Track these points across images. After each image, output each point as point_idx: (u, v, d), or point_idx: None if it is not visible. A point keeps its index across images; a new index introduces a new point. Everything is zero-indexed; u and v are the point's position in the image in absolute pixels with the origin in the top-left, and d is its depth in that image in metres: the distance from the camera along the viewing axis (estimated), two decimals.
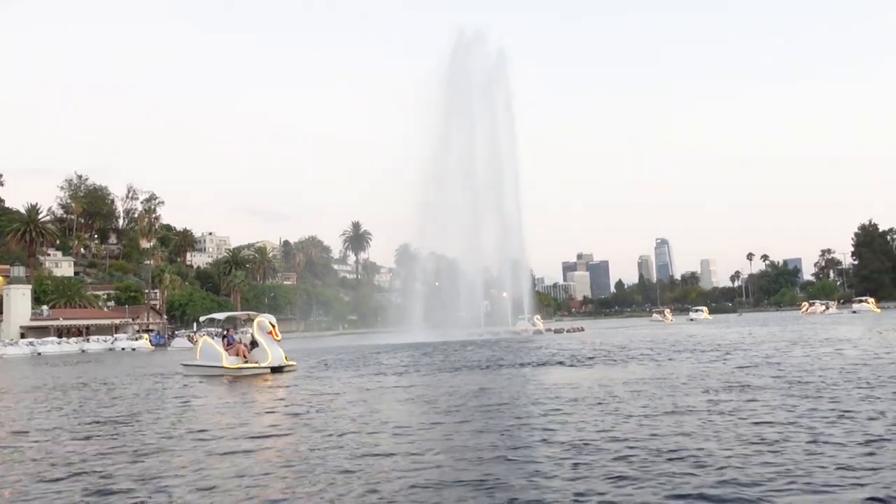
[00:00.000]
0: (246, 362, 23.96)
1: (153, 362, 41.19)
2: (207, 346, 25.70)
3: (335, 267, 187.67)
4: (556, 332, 62.09)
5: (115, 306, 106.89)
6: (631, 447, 8.38)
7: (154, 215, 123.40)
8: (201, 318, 30.21)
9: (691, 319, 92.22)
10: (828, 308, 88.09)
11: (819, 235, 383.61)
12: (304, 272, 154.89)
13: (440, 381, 18.65)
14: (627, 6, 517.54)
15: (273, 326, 23.80)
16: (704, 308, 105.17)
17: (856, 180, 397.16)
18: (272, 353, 23.77)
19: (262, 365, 23.59)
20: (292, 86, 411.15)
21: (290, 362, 24.69)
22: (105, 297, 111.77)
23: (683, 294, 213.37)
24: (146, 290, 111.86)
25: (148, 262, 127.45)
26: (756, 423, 9.59)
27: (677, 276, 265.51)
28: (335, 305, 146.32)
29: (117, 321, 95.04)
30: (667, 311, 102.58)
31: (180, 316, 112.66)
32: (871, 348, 23.61)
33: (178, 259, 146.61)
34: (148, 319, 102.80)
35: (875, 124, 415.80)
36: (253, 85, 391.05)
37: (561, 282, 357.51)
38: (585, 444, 8.70)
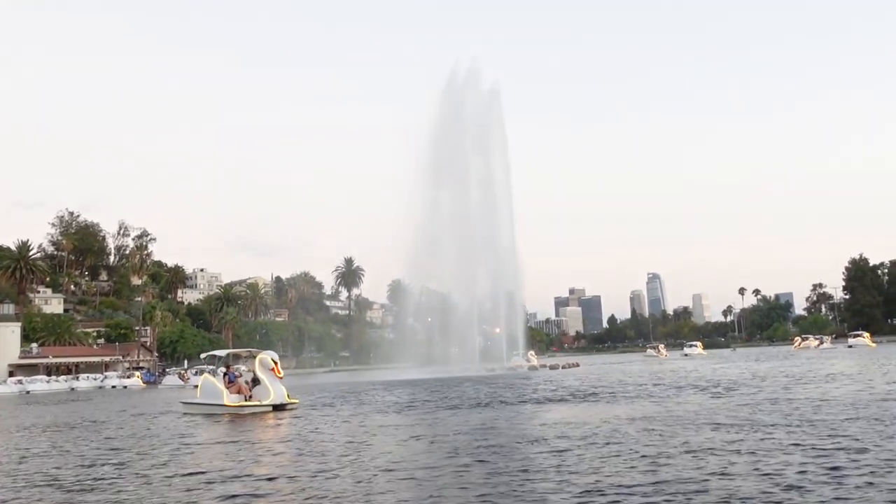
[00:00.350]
0: (248, 400, 23.55)
1: (146, 400, 40.66)
2: (208, 384, 25.30)
3: (327, 303, 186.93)
4: (552, 368, 61.71)
5: (106, 343, 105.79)
6: (655, 489, 8.16)
7: (146, 252, 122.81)
8: (202, 355, 30.01)
9: (685, 355, 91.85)
10: (822, 343, 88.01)
11: (810, 269, 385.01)
12: (296, 308, 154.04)
13: (444, 420, 18.36)
14: (617, 38, 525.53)
15: (275, 363, 23.45)
16: (699, 343, 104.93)
17: (846, 214, 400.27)
18: (274, 390, 23.41)
19: (264, 403, 23.21)
20: (286, 121, 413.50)
21: (293, 400, 24.32)
22: (95, 334, 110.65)
23: (676, 329, 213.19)
24: (137, 328, 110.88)
25: (139, 298, 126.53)
26: (780, 465, 9.39)
27: (669, 311, 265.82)
28: (327, 342, 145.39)
29: (107, 359, 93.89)
30: (661, 346, 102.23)
31: (171, 353, 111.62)
32: (876, 384, 23.47)
33: (170, 296, 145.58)
34: (138, 357, 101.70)
35: (864, 158, 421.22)
36: (246, 119, 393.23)
37: (553, 317, 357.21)
38: (603, 489, 8.47)
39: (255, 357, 24.72)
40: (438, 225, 70.86)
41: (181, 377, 77.76)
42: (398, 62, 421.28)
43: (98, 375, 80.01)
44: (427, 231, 70.76)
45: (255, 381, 23.83)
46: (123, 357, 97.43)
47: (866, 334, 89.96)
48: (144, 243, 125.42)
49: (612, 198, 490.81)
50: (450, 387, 34.63)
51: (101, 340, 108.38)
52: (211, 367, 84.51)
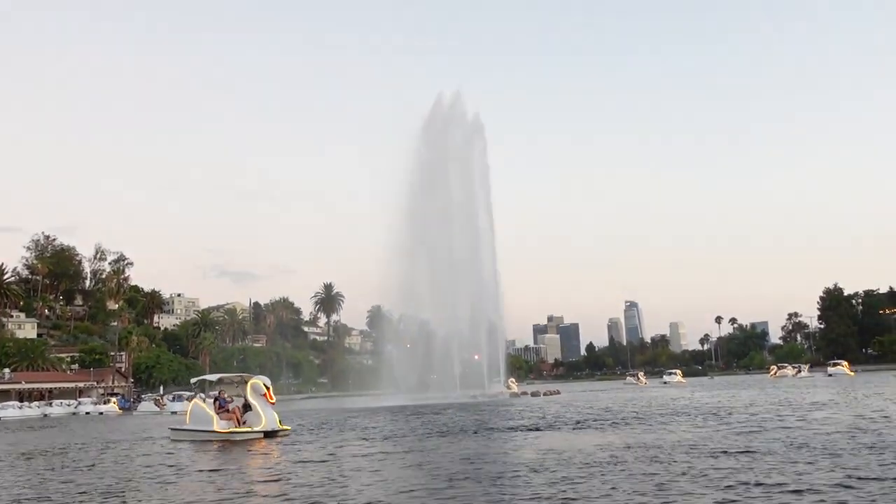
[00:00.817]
0: (239, 426, 23.06)
1: (125, 427, 39.91)
2: (198, 410, 24.79)
3: (305, 329, 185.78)
4: (533, 395, 61.74)
5: (80, 369, 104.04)
6: None
7: (123, 276, 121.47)
8: (193, 380, 29.04)
9: (665, 382, 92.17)
10: (800, 371, 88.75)
11: (785, 299, 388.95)
12: (274, 334, 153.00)
13: (436, 447, 18.21)
14: (592, 61, 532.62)
15: (267, 389, 23.01)
16: (678, 371, 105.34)
17: (821, 245, 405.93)
18: (266, 416, 22.94)
19: (256, 429, 22.73)
20: (261, 147, 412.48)
21: (285, 427, 23.92)
22: (69, 359, 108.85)
23: (654, 357, 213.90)
24: (112, 353, 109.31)
25: (114, 323, 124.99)
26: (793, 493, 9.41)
27: (647, 339, 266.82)
28: (305, 368, 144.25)
29: (81, 384, 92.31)
30: (640, 374, 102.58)
31: (146, 379, 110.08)
32: (862, 412, 23.69)
33: (146, 321, 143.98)
34: (113, 383, 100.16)
35: (839, 189, 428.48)
36: (222, 145, 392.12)
37: (532, 344, 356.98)
38: None
39: (246, 382, 24.29)
40: (419, 252, 70.88)
41: (157, 403, 76.65)
42: (375, 89, 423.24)
43: (72, 402, 78.65)
44: (407, 258, 70.78)
45: (247, 407, 23.36)
46: (98, 383, 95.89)
47: (845, 363, 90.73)
48: (121, 267, 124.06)
49: (591, 226, 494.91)
50: (434, 413, 34.40)
51: (76, 366, 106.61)
52: (190, 393, 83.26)
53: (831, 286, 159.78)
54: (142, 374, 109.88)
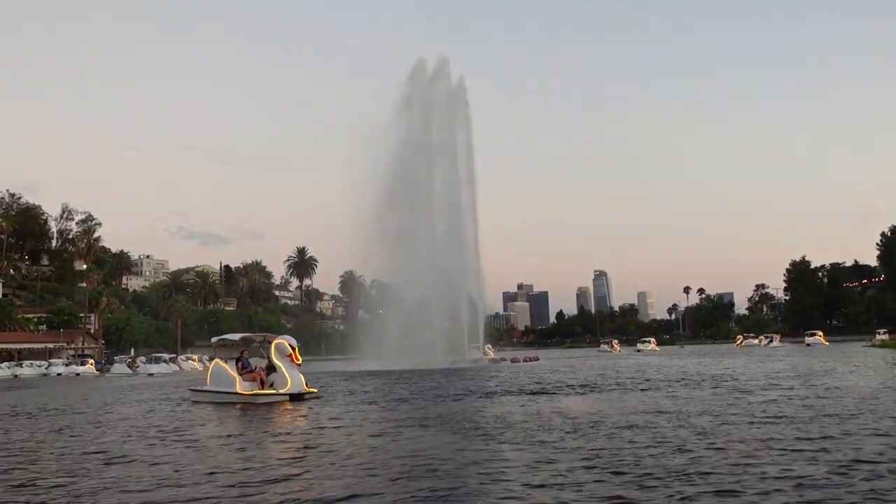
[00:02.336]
0: (263, 388, 22.03)
1: (112, 388, 39.00)
2: (219, 371, 23.65)
3: (276, 293, 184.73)
4: (513, 361, 62.02)
5: (48, 330, 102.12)
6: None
7: (93, 236, 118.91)
8: (213, 339, 27.05)
9: (638, 350, 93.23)
10: (771, 341, 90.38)
11: (750, 272, 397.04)
12: (245, 298, 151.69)
13: (461, 409, 17.87)
14: (569, 30, 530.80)
15: (293, 349, 21.95)
16: (652, 339, 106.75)
17: (788, 218, 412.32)
18: (292, 378, 21.91)
19: (281, 392, 21.75)
20: (228, 108, 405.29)
21: (311, 389, 22.87)
22: (36, 320, 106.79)
23: (623, 326, 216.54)
24: (81, 314, 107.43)
25: (82, 284, 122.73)
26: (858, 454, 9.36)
27: (616, 308, 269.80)
28: (278, 332, 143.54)
29: (51, 345, 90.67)
30: (615, 342, 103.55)
31: (117, 341, 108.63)
32: (865, 378, 24.07)
33: (114, 282, 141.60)
34: (83, 344, 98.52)
35: (807, 165, 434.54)
36: (188, 103, 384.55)
37: (501, 311, 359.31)
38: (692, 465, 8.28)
39: (269, 342, 23.28)
40: (398, 217, 70.30)
41: (130, 366, 75.69)
42: (352, 53, 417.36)
43: (42, 362, 77.16)
44: (386, 222, 70.25)
45: (270, 369, 22.38)
46: (68, 344, 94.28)
47: (820, 333, 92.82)
48: (92, 227, 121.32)
49: (561, 195, 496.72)
50: (422, 378, 34.12)
51: (43, 327, 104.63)
52: (170, 355, 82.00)
53: (798, 258, 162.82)
54: (112, 336, 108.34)
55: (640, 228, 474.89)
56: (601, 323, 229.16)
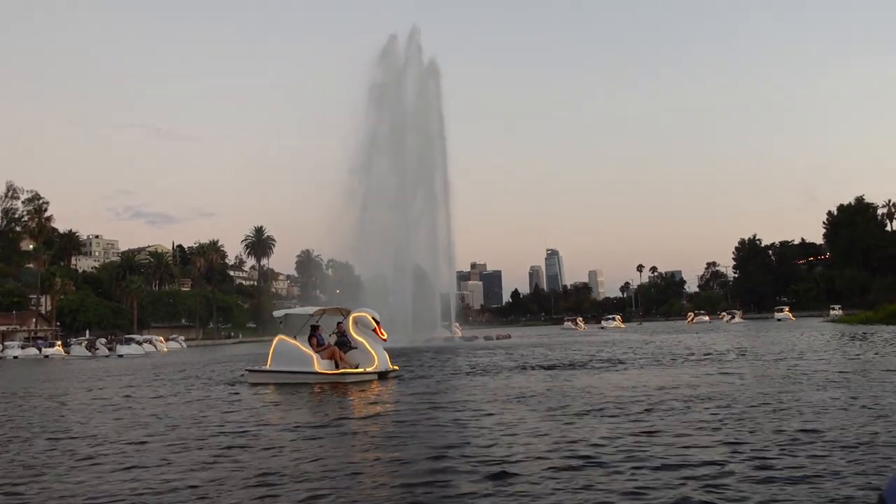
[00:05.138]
0: (338, 368, 20.01)
1: (106, 370, 37.53)
2: (287, 348, 20.91)
3: (231, 273, 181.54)
4: (486, 338, 61.94)
5: None
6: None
7: (45, 215, 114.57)
8: (275, 314, 23.56)
9: (602, 328, 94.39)
10: (733, 317, 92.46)
11: (696, 251, 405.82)
12: (200, 279, 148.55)
13: (506, 382, 17.76)
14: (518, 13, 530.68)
15: (377, 323, 20.25)
16: (618, 316, 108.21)
17: (738, 197, 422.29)
18: (378, 355, 20.13)
19: (369, 370, 19.91)
20: (175, 83, 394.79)
21: (394, 366, 21.13)
22: None
23: (577, 304, 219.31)
24: (33, 296, 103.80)
25: (29, 265, 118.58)
26: None
27: (568, 286, 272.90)
28: (235, 313, 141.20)
29: (4, 328, 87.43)
30: (579, 319, 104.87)
31: (70, 323, 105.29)
32: (861, 351, 24.70)
33: (63, 262, 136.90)
34: (36, 326, 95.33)
35: (757, 145, 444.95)
36: (131, 78, 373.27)
37: (456, 290, 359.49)
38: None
39: (345, 315, 21.18)
40: (366, 195, 69.65)
41: (88, 348, 73.56)
42: (307, 26, 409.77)
43: None
44: (352, 202, 69.71)
45: (341, 345, 20.65)
46: (20, 326, 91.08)
47: (787, 308, 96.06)
48: (42, 206, 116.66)
49: (514, 174, 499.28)
50: (415, 356, 33.60)
51: None
52: (143, 337, 79.20)
53: (747, 237, 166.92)
54: (66, 318, 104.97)
55: (590, 208, 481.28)
56: (555, 301, 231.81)
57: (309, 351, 20.33)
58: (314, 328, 21.55)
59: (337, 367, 20.06)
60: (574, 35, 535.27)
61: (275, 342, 21.59)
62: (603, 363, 23.94)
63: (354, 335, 20.48)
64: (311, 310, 22.64)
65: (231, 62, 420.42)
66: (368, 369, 19.91)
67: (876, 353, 23.32)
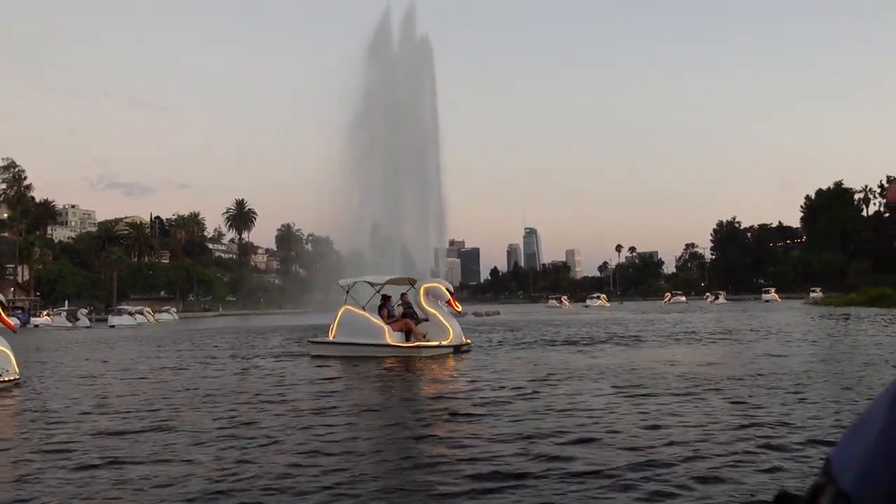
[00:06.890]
0: (408, 340, 19.25)
1: (107, 341, 36.71)
2: (355, 319, 19.83)
3: (209, 245, 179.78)
4: (476, 314, 61.90)
5: None
6: None
7: (24, 184, 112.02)
8: (341, 282, 22.13)
9: (586, 306, 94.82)
10: (717, 298, 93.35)
11: (674, 233, 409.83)
12: (178, 251, 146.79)
13: (555, 356, 17.70)
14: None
15: (451, 294, 19.56)
16: (603, 295, 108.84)
17: (713, 181, 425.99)
18: (453, 327, 19.40)
19: (445, 343, 19.06)
20: (149, 52, 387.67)
21: (467, 340, 20.40)
22: None
23: (556, 282, 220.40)
24: (11, 265, 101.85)
25: (4, 234, 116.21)
26: None
27: (546, 265, 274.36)
28: (215, 286, 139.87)
29: None
30: (564, 297, 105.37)
31: (48, 293, 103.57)
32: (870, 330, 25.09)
33: (38, 232, 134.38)
34: (14, 297, 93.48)
35: (737, 130, 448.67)
36: (103, 46, 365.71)
37: (434, 267, 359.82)
38: None
39: (414, 286, 20.55)
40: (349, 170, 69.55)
41: (70, 319, 72.44)
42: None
43: None
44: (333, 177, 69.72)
45: (408, 316, 20.01)
46: None
47: (774, 290, 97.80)
48: (20, 174, 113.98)
49: (493, 151, 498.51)
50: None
51: None
52: (134, 308, 77.96)
53: (724, 219, 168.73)
54: (43, 288, 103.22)
55: (569, 188, 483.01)
56: (534, 280, 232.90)
57: (379, 322, 19.42)
58: (385, 298, 20.80)
59: (408, 339, 19.36)
60: (556, 25, 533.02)
61: (340, 312, 20.53)
62: (625, 339, 24.06)
63: (425, 307, 19.77)
64: (382, 278, 21.56)
65: (209, 32, 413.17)
66: (444, 342, 19.19)
67: None
